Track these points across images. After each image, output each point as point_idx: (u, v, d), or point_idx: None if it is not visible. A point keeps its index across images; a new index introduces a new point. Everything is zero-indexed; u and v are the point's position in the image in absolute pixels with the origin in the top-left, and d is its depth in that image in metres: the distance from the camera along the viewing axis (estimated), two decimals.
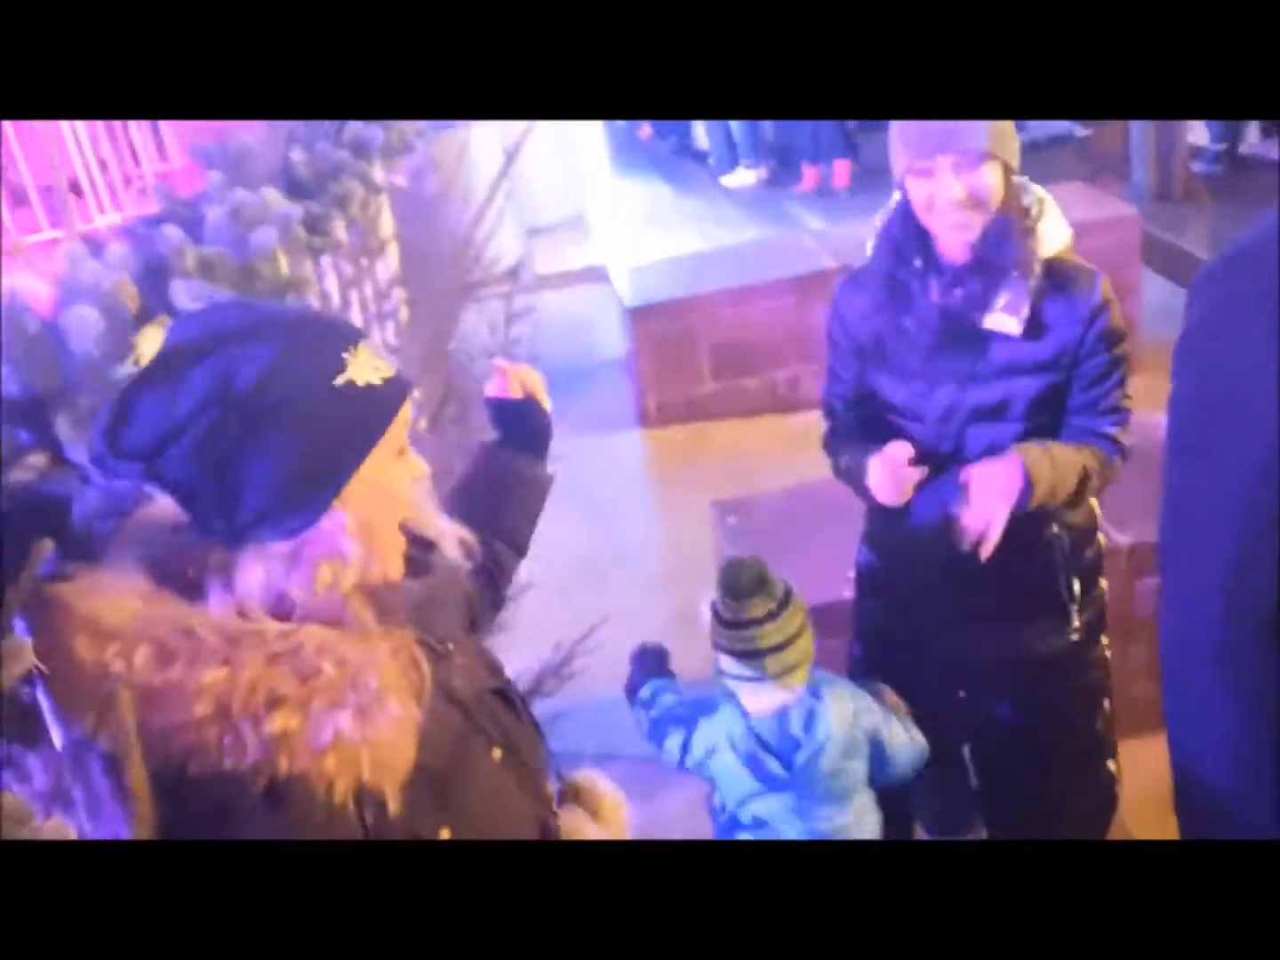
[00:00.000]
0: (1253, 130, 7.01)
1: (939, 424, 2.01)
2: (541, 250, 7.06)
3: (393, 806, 0.99)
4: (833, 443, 2.21)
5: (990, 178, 1.84)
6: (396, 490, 1.08)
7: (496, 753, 1.16)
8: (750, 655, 1.91)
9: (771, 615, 1.90)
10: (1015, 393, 1.95)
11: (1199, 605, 1.25)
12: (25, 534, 0.97)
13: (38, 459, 1.12)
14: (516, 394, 1.55)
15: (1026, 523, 1.94)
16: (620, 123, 9.39)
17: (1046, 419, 1.98)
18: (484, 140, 6.32)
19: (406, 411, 1.07)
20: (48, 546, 0.98)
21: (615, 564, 3.96)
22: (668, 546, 4.20)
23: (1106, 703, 2.24)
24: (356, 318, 2.64)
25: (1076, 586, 2.10)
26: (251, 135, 2.12)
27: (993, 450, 1.94)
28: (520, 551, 1.54)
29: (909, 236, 1.97)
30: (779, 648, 1.91)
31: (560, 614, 3.35)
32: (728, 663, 1.95)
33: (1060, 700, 2.17)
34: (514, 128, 6.86)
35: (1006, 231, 1.88)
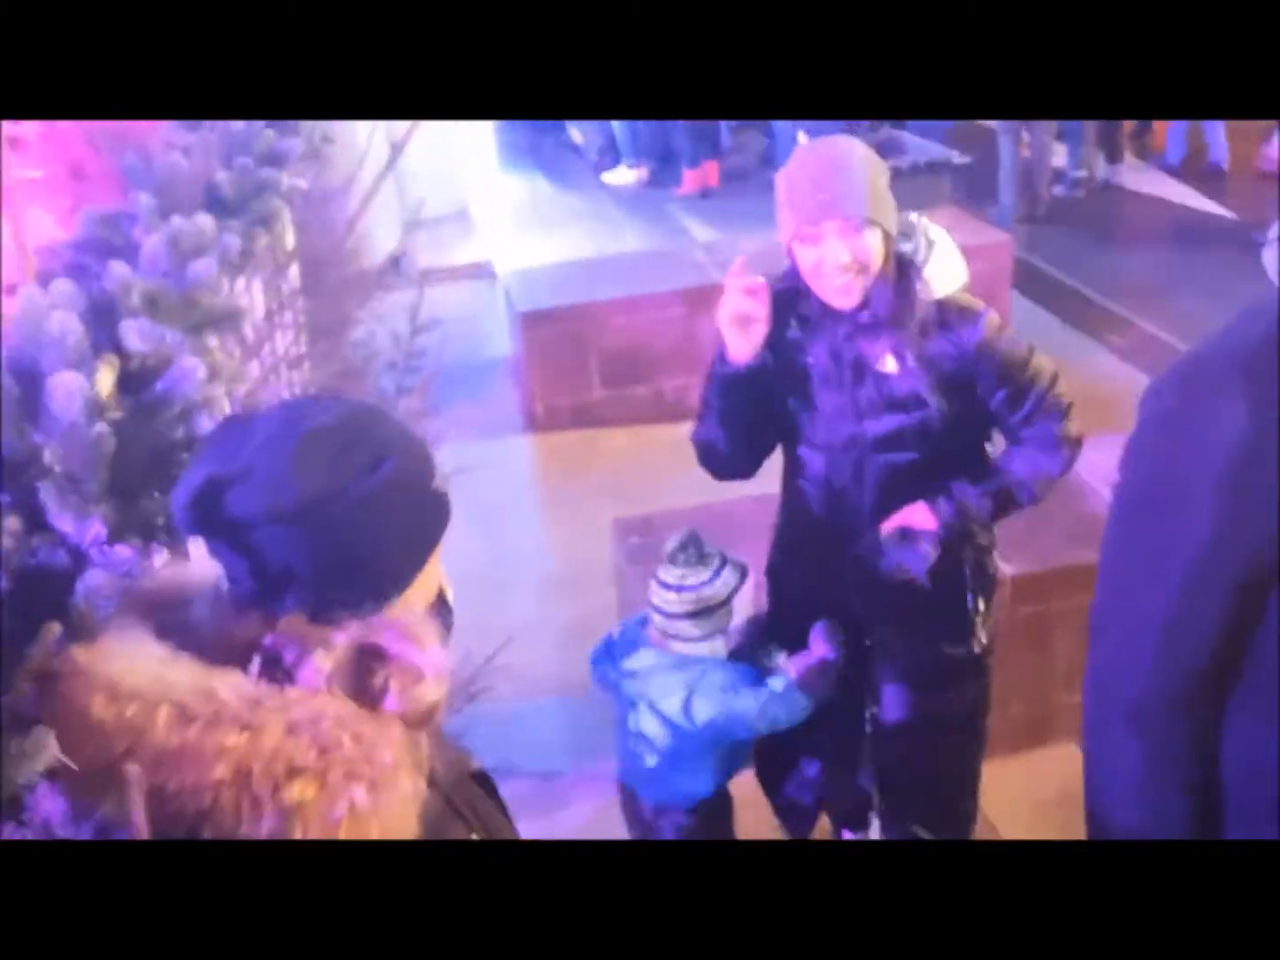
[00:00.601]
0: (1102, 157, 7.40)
1: (841, 453, 2.18)
2: (424, 244, 6.99)
3: None
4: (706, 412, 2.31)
5: (871, 241, 2.02)
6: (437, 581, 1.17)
7: (474, 837, 1.18)
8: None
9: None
10: (907, 424, 2.13)
11: (1123, 670, 1.38)
12: (28, 614, 0.96)
13: (12, 523, 1.10)
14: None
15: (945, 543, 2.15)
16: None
17: (944, 446, 2.16)
18: (366, 131, 6.22)
19: None
20: (55, 630, 0.97)
21: (511, 573, 3.98)
22: (562, 555, 4.23)
23: (988, 714, 2.46)
24: (280, 337, 2.60)
25: (981, 604, 2.29)
26: (178, 153, 2.08)
27: (892, 475, 2.16)
28: None
29: (798, 296, 2.13)
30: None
31: (458, 623, 3.35)
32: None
33: (959, 706, 2.37)
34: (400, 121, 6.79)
35: (887, 290, 2.07)
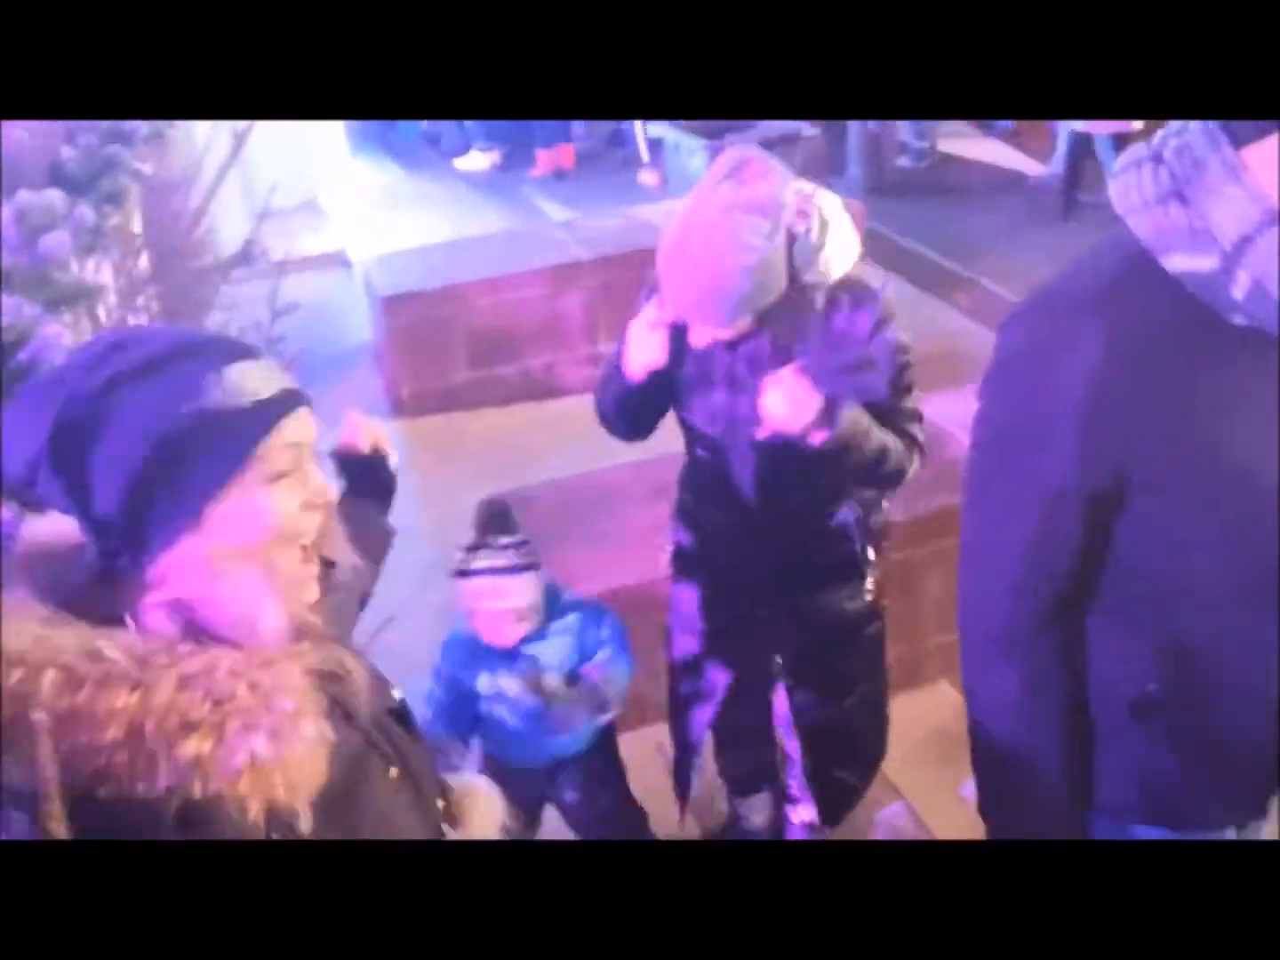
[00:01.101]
0: (948, 128, 7.64)
1: (733, 437, 2.17)
2: (274, 235, 6.83)
3: (304, 826, 0.99)
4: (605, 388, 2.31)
5: (744, 323, 1.99)
6: (271, 517, 1.04)
7: (393, 772, 1.17)
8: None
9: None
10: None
11: (991, 597, 1.45)
12: None
13: None
14: (364, 448, 1.56)
15: (828, 497, 2.17)
16: None
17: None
18: (210, 122, 6.04)
19: (291, 433, 1.05)
20: None
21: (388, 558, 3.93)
22: (434, 538, 4.20)
23: (887, 652, 2.54)
24: (132, 320, 2.53)
25: (871, 553, 2.34)
26: (22, 131, 2.00)
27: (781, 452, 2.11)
28: (362, 602, 1.55)
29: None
30: None
31: None
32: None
33: (858, 650, 2.44)
34: None
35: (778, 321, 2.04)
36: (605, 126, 8.49)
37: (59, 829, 0.89)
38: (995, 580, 1.45)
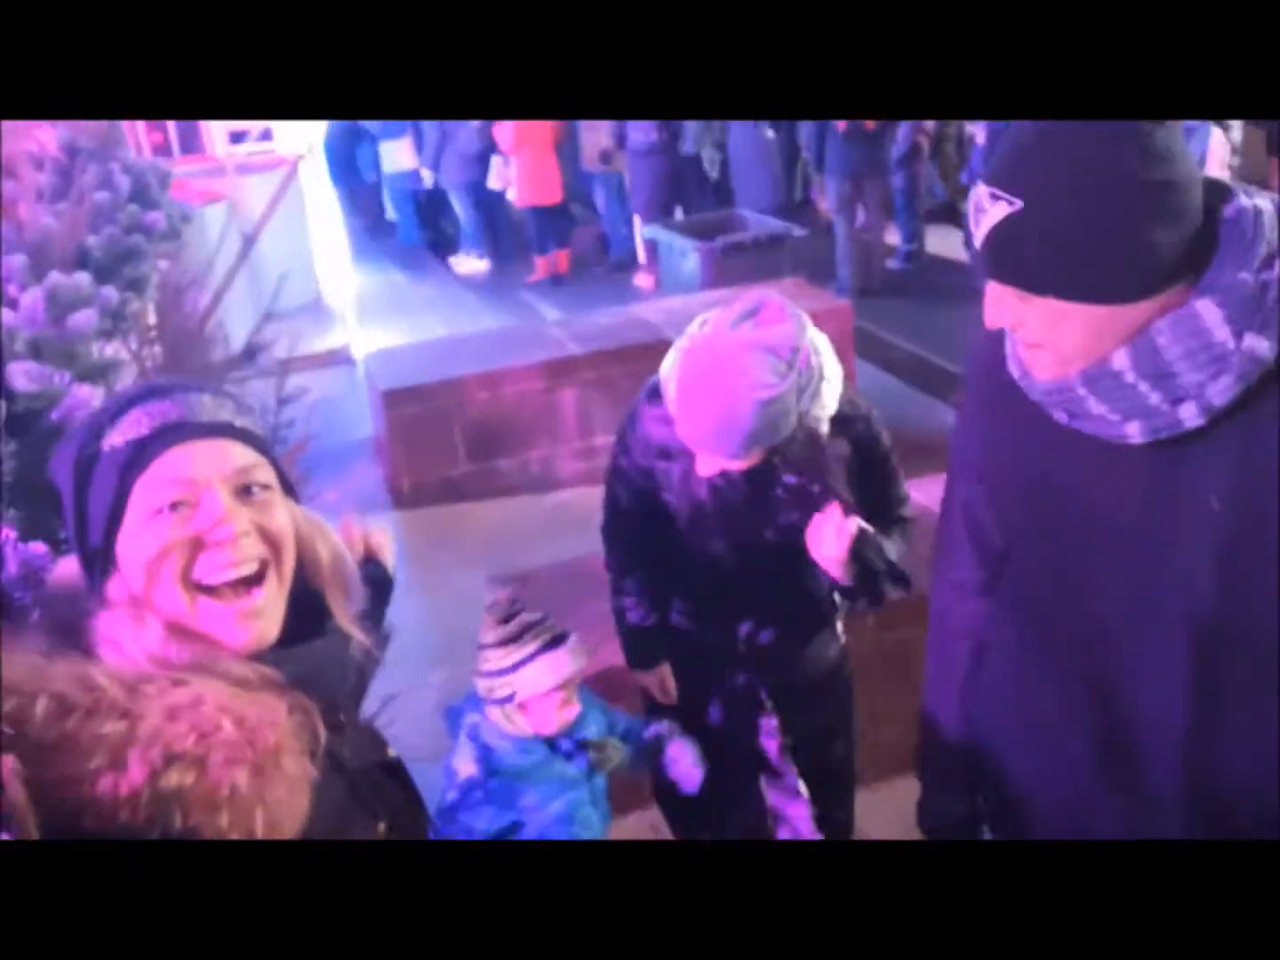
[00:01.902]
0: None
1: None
2: (280, 334, 6.99)
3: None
4: (612, 527, 2.45)
5: (752, 457, 2.10)
6: (149, 549, 1.05)
7: (381, 827, 1.17)
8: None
9: None
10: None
11: (959, 599, 1.60)
12: None
13: None
14: (358, 552, 1.60)
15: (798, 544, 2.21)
16: (355, 211, 9.43)
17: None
18: (218, 222, 6.23)
19: (178, 468, 1.05)
20: None
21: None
22: (435, 628, 4.25)
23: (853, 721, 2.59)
24: None
25: (837, 598, 2.41)
26: (50, 219, 2.12)
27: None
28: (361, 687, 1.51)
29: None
30: None
31: None
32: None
33: (839, 692, 2.50)
34: (252, 212, 6.81)
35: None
36: (595, 231, 8.77)
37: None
38: (961, 588, 1.62)
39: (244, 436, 1.10)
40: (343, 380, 6.49)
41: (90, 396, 1.41)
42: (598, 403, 5.14)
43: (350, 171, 9.23)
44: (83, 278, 1.94)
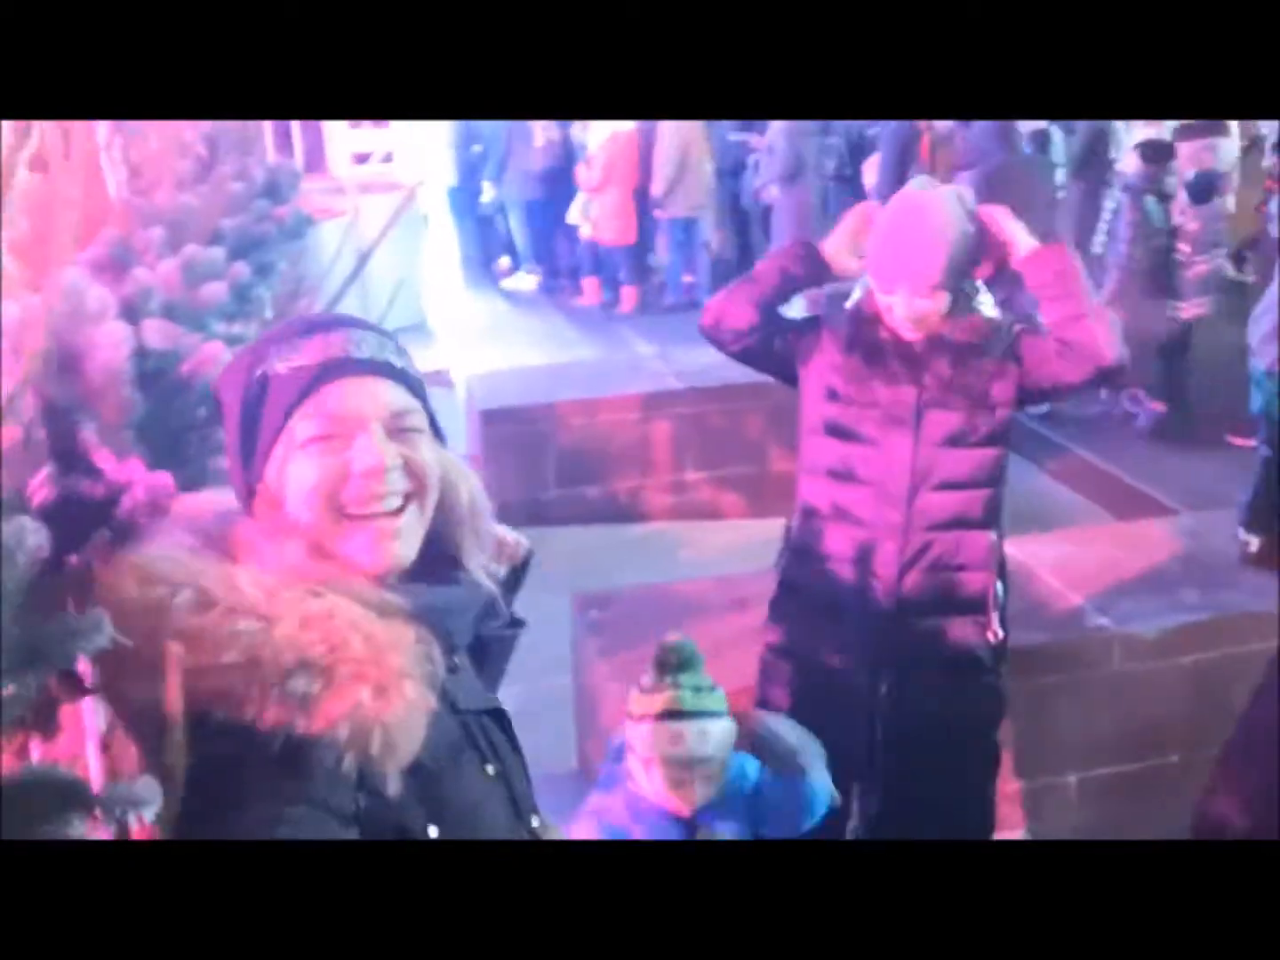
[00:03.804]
0: None
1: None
2: None
3: (391, 789, 1.02)
4: None
5: (939, 303, 2.31)
6: (298, 481, 1.07)
7: (490, 769, 1.19)
8: None
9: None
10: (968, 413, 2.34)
11: None
12: (79, 526, 1.01)
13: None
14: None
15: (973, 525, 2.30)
16: (469, 237, 9.63)
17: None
18: (335, 237, 6.39)
19: (332, 403, 1.07)
20: (105, 535, 1.02)
21: None
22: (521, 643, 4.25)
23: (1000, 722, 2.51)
24: None
25: (1000, 588, 2.38)
26: (187, 196, 2.19)
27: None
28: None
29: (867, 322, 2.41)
30: None
31: None
32: None
33: (974, 698, 2.43)
34: (369, 231, 7.00)
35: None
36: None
37: (178, 760, 0.94)
38: None
39: (402, 378, 1.13)
40: (441, 402, 6.58)
41: (220, 352, 1.44)
42: (691, 438, 5.15)
43: (470, 200, 9.46)
44: (217, 252, 2.00)
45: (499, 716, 1.26)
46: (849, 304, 2.41)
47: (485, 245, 9.49)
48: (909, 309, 2.27)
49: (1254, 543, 3.61)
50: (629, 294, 8.53)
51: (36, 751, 0.99)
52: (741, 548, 4.53)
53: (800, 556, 2.48)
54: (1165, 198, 5.67)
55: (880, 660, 2.37)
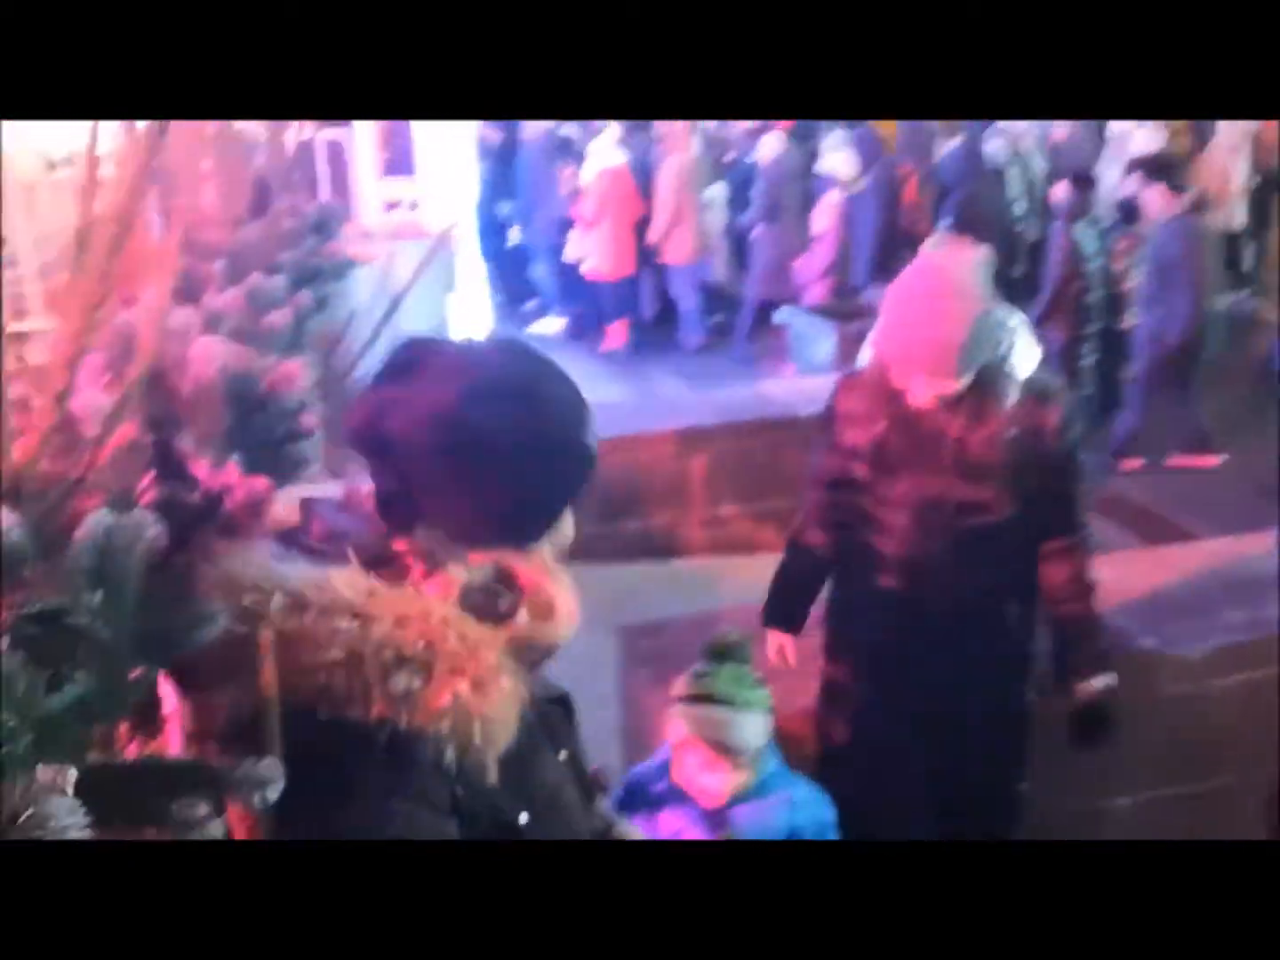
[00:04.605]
0: None
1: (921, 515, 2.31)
2: None
3: (491, 778, 1.05)
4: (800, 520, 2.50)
5: (957, 386, 2.21)
6: None
7: (563, 754, 1.24)
8: None
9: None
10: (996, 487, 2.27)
11: None
12: (184, 527, 1.04)
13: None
14: None
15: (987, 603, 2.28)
16: (496, 281, 9.74)
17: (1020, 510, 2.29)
18: (368, 282, 6.47)
19: None
20: (209, 534, 1.05)
21: None
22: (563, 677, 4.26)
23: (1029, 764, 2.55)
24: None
25: (1027, 654, 2.44)
26: (249, 233, 2.25)
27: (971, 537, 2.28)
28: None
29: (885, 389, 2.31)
30: None
31: None
32: None
33: (1004, 756, 2.48)
34: (401, 274, 7.09)
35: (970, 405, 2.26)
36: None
37: (274, 751, 0.96)
38: None
39: None
40: None
41: (297, 370, 1.49)
42: (725, 473, 5.17)
43: (499, 245, 9.57)
44: (279, 280, 2.05)
45: (565, 704, 1.31)
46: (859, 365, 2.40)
47: (512, 289, 9.60)
48: (927, 391, 2.17)
49: None
50: (620, 328, 8.70)
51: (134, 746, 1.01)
52: None
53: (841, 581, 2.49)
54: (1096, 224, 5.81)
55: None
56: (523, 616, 1.09)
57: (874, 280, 7.25)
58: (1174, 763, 3.19)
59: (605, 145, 8.55)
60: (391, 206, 8.07)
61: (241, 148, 3.21)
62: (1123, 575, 3.51)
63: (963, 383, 2.15)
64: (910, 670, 2.40)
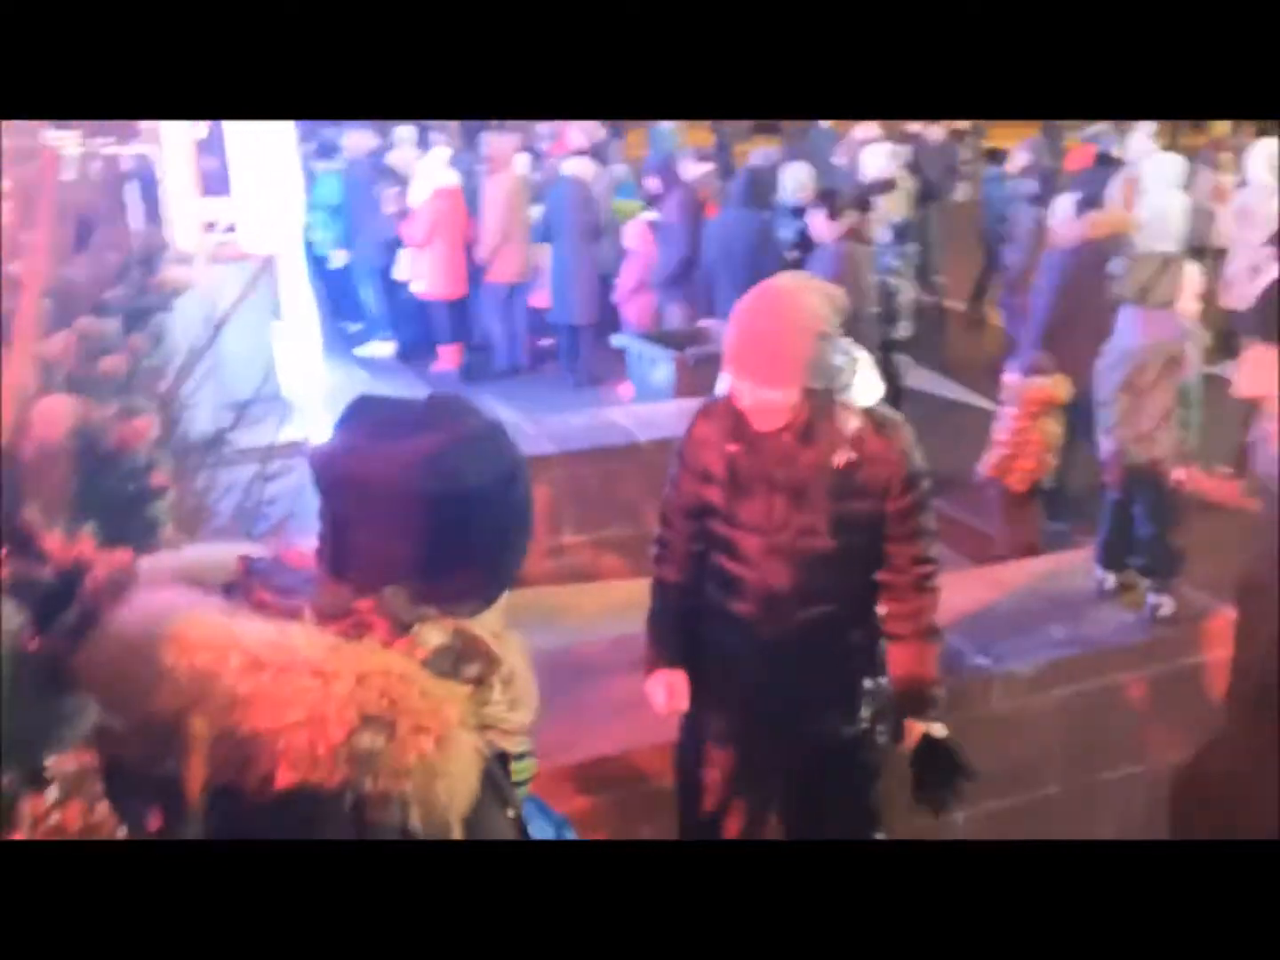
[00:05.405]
0: None
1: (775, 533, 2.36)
2: (244, 425, 6.93)
3: (455, 838, 1.02)
4: (662, 554, 2.53)
5: (785, 398, 2.26)
6: None
7: (510, 812, 1.21)
8: None
9: None
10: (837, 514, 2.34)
11: None
12: (43, 609, 0.97)
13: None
14: None
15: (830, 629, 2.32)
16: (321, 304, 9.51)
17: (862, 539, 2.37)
18: (189, 309, 6.21)
19: None
20: (71, 618, 0.99)
21: None
22: None
23: (879, 782, 2.60)
24: None
25: (867, 684, 2.46)
26: (71, 269, 2.13)
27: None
28: None
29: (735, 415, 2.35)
30: None
31: None
32: None
33: (851, 776, 2.53)
34: (222, 300, 6.80)
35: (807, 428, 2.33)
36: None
37: (194, 826, 0.91)
38: None
39: None
40: (300, 476, 6.43)
41: (146, 426, 1.41)
42: (568, 501, 5.15)
43: (320, 268, 9.34)
44: (110, 324, 1.94)
45: (504, 759, 1.27)
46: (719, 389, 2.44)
47: (337, 313, 9.38)
48: (753, 398, 2.26)
49: (1110, 580, 3.83)
50: (450, 351, 8.68)
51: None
52: (623, 608, 4.54)
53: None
54: None
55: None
56: (496, 694, 1.07)
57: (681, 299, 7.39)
58: (1002, 777, 3.32)
59: (436, 165, 8.46)
60: (209, 227, 7.77)
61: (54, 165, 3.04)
62: (952, 596, 3.66)
63: (797, 396, 2.21)
64: (764, 697, 2.45)
